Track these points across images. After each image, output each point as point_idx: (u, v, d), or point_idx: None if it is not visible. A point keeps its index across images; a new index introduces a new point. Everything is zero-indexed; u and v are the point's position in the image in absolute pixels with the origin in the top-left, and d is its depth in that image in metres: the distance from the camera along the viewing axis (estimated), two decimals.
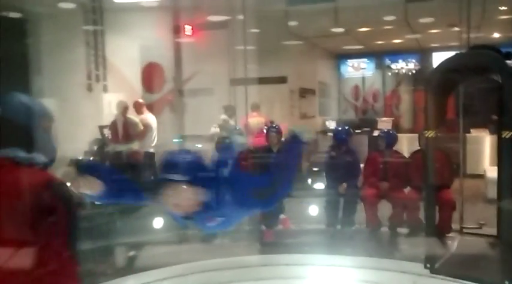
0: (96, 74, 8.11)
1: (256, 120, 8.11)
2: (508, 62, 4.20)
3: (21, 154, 1.66)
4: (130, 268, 4.84)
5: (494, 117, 5.40)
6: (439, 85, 4.54)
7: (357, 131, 10.91)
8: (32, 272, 1.60)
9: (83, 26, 7.91)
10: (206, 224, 2.51)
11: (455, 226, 5.50)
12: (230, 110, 7.83)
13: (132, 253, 5.12)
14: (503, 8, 7.70)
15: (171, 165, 2.26)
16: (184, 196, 2.18)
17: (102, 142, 7.59)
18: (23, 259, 1.60)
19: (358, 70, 14.01)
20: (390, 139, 5.98)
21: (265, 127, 6.66)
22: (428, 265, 4.45)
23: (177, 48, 6.97)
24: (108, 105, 8.16)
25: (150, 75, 8.77)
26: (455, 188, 5.70)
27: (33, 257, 1.60)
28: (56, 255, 1.66)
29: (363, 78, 14.12)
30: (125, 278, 4.53)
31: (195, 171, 2.22)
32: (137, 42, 8.56)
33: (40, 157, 1.70)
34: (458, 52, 5.34)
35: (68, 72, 7.68)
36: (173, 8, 7.18)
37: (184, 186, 2.17)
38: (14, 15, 7.11)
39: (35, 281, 1.62)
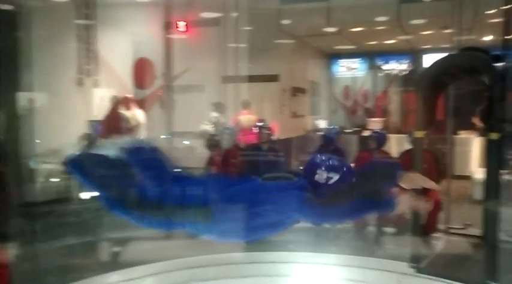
0: (87, 69, 8.07)
1: (247, 117, 8.12)
2: (497, 64, 4.24)
3: None
4: (116, 263, 4.82)
5: (476, 120, 5.49)
6: (429, 86, 4.57)
7: (347, 131, 10.97)
8: None
9: (75, 20, 7.87)
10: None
11: (441, 226, 5.54)
12: (220, 107, 7.83)
13: (117, 249, 5.10)
14: (490, 11, 7.78)
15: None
16: None
17: (91, 137, 7.55)
18: None
19: (350, 70, 14.03)
20: (380, 139, 6.01)
21: (256, 125, 6.67)
22: (413, 265, 4.48)
23: (167, 44, 6.94)
24: (99, 99, 8.13)
25: (139, 70, 8.74)
26: (443, 189, 5.74)
27: None
28: None
29: (353, 78, 14.15)
30: (110, 273, 4.51)
31: None
32: (129, 37, 8.53)
33: None
34: (448, 53, 5.38)
35: (59, 67, 7.64)
36: (165, 4, 7.16)
37: None
38: (4, 7, 7.04)
39: None
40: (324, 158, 2.49)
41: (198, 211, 2.43)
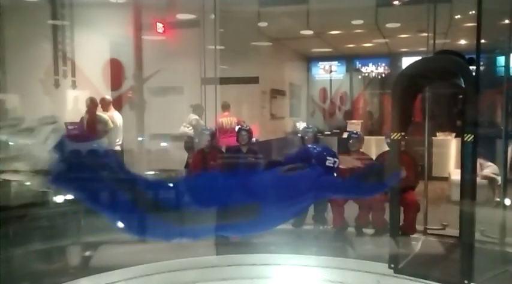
0: (63, 70, 7.95)
1: (228, 119, 8.15)
2: (471, 67, 4.32)
3: None
4: (95, 267, 4.75)
5: (458, 122, 5.60)
6: (405, 89, 4.62)
7: (326, 133, 11.04)
8: None
9: (50, 20, 7.74)
10: None
11: (419, 227, 5.61)
12: (199, 109, 7.80)
13: (96, 252, 5.03)
14: (464, 16, 7.96)
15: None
16: None
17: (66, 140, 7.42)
18: None
19: (329, 72, 14.14)
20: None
21: (236, 127, 6.69)
22: (392, 265, 4.52)
23: (138, 46, 6.88)
24: (76, 101, 8.01)
25: (109, 71, 8.64)
26: (420, 190, 5.82)
27: None
28: None
29: (330, 81, 14.26)
30: (88, 277, 4.45)
31: None
32: (104, 38, 8.43)
33: None
34: (423, 57, 5.46)
35: (34, 67, 7.50)
36: (138, 5, 7.11)
37: None
38: None
39: None
40: (318, 147, 3.09)
41: (244, 209, 2.49)
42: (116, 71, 8.63)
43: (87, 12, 7.87)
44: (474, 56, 4.48)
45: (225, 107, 8.26)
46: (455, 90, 5.14)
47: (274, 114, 11.54)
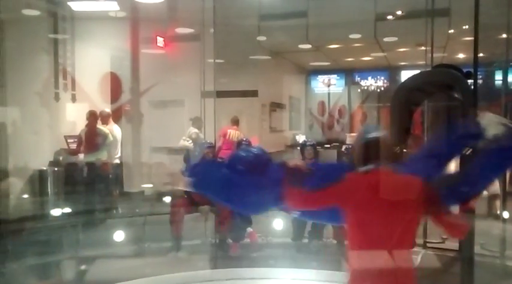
0: (64, 83, 7.98)
1: (235, 133, 8.24)
2: (469, 80, 4.34)
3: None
4: (92, 281, 4.72)
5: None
6: (404, 102, 4.63)
7: (326, 146, 11.04)
8: None
9: (50, 34, 7.78)
10: None
11: (419, 240, 5.57)
12: (198, 122, 7.82)
13: (93, 267, 4.99)
14: (455, 30, 8.01)
15: None
16: None
17: (67, 153, 7.45)
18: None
19: (328, 86, 14.19)
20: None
21: (238, 141, 6.73)
22: None
23: (135, 59, 6.93)
24: (75, 114, 8.03)
25: (107, 85, 8.68)
26: None
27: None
28: None
29: (329, 94, 14.29)
30: None
31: None
32: (105, 51, 8.48)
33: None
34: (422, 70, 5.49)
35: (35, 81, 7.53)
36: (139, 19, 7.18)
37: None
38: None
39: None
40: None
41: None
42: (114, 84, 8.67)
43: (88, 26, 7.92)
44: (472, 70, 4.50)
45: (234, 122, 8.37)
46: (454, 104, 5.15)
47: (273, 127, 11.56)
